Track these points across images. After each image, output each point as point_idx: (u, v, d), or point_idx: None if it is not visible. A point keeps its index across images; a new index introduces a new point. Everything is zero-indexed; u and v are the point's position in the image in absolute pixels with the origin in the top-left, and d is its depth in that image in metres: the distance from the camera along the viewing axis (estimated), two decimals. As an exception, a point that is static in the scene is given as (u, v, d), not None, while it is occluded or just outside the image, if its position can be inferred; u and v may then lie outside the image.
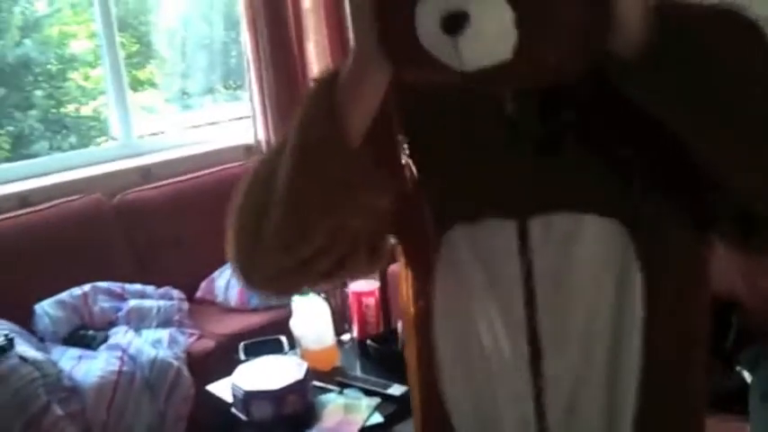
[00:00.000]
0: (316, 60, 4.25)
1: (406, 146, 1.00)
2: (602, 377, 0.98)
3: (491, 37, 0.78)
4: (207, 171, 3.83)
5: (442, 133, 1.00)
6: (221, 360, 2.86)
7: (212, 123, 4.40)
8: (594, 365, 0.98)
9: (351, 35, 0.89)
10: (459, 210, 0.98)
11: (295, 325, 2.62)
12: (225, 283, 3.48)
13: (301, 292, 2.43)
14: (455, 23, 0.77)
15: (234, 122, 4.31)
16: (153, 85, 4.47)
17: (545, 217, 0.95)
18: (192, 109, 4.49)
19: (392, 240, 1.09)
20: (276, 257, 0.96)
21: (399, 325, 2.62)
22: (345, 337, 2.75)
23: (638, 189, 0.93)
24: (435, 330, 1.04)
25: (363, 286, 2.76)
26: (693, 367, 1.05)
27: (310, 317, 2.60)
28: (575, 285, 0.96)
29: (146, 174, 3.76)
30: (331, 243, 0.95)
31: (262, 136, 4.06)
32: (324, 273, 0.99)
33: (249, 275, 1.01)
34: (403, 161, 0.99)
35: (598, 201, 0.94)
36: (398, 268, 1.14)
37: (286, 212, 0.92)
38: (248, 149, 4.08)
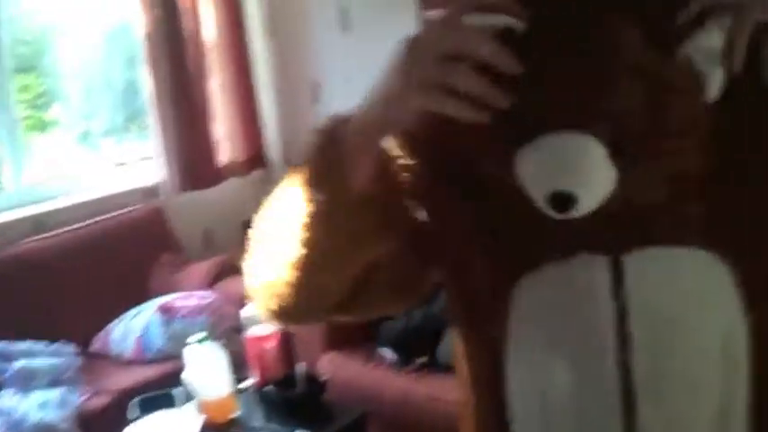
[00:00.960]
0: (220, 98, 4.15)
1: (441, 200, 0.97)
2: (710, 425, 0.89)
3: (595, 204, 0.81)
4: (103, 216, 3.69)
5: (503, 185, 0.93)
6: (116, 417, 2.67)
7: (118, 165, 4.24)
8: (700, 413, 0.89)
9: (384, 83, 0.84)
10: (539, 253, 0.92)
11: (189, 375, 2.46)
12: (120, 334, 3.32)
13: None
14: (563, 204, 0.79)
15: (135, 164, 4.16)
16: (59, 125, 4.29)
17: (641, 252, 0.89)
18: (95, 150, 4.31)
19: (447, 303, 1.05)
20: (304, 308, 0.99)
21: (300, 367, 2.51)
22: (245, 383, 2.60)
23: (743, 218, 0.89)
24: (508, 386, 0.96)
25: (261, 330, 2.61)
26: None
27: (206, 365, 2.45)
28: (676, 324, 0.89)
29: (38, 223, 3.58)
30: (351, 294, 0.95)
31: (165, 176, 3.94)
32: (357, 309, 1.01)
33: (282, 321, 1.05)
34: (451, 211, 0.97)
35: (697, 232, 0.89)
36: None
37: (298, 273, 0.92)
38: (147, 192, 3.94)
